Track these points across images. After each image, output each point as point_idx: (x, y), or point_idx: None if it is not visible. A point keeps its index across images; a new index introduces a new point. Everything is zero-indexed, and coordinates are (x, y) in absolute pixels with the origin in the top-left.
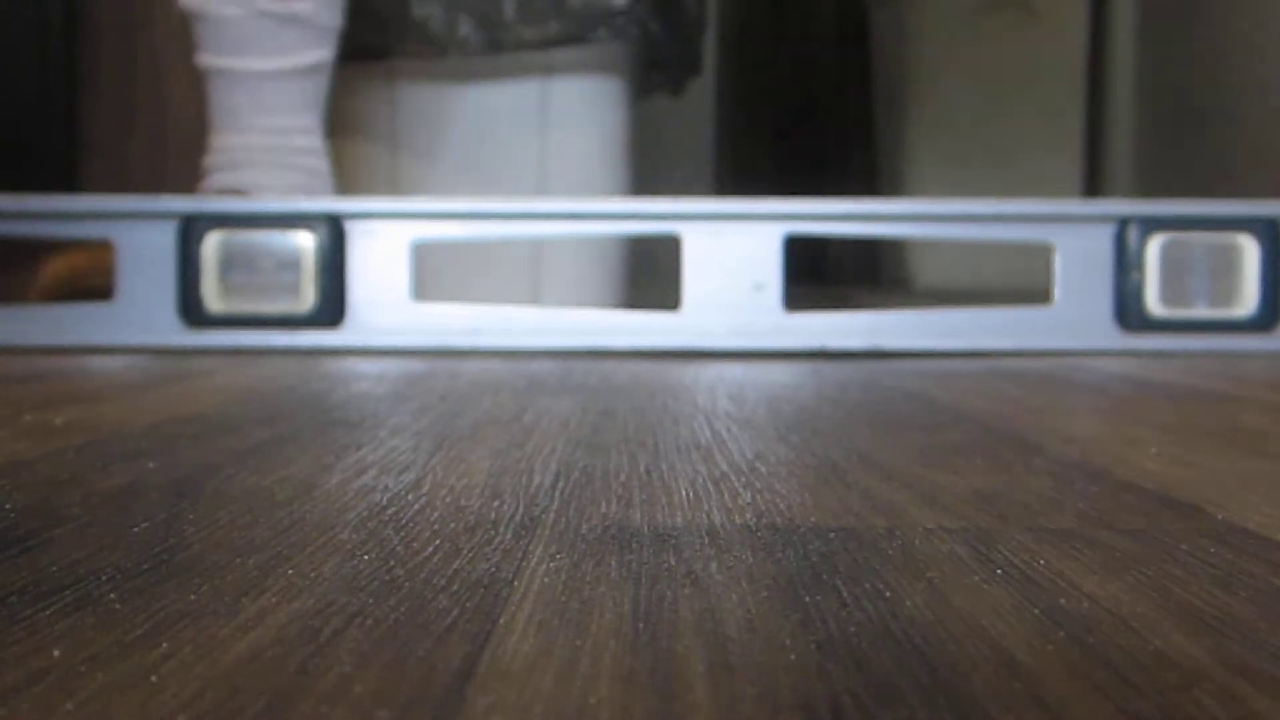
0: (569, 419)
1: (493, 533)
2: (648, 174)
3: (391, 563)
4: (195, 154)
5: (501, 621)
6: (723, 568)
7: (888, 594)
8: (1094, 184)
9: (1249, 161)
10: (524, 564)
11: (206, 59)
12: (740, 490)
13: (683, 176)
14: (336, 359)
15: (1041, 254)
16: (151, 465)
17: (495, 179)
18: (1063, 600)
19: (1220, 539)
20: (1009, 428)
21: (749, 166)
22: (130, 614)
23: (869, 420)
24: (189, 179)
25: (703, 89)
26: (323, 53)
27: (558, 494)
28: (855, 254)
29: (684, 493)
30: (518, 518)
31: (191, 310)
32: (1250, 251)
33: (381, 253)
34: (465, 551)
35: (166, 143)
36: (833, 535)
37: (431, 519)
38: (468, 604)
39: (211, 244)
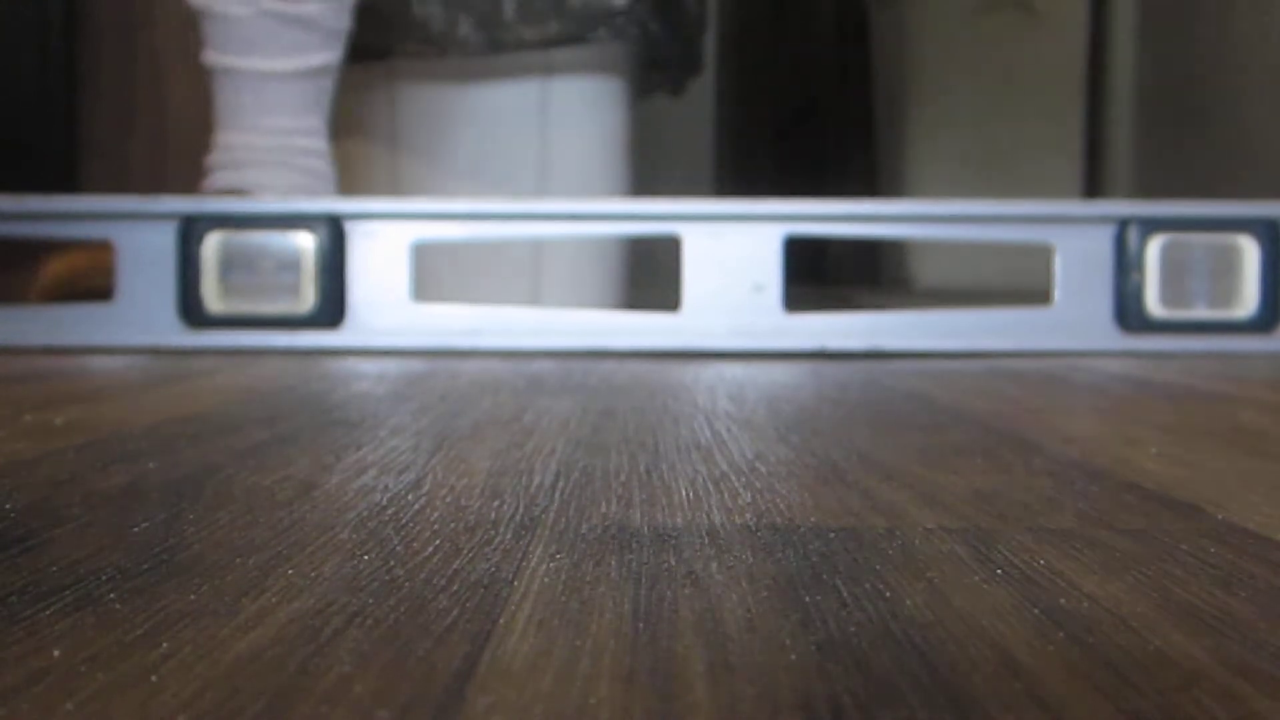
0: (569, 419)
1: (493, 533)
2: (648, 174)
3: (391, 563)
4: (195, 154)
5: (501, 621)
6: (723, 568)
7: (888, 594)
8: (1094, 184)
9: (1249, 162)
10: (524, 564)
11: (212, 57)
12: (740, 490)
13: (683, 177)
14: (336, 359)
15: (1041, 255)
16: (151, 465)
17: (495, 179)
18: (1063, 600)
19: (1220, 539)
20: (1009, 428)
21: (749, 167)
22: (130, 614)
23: (869, 420)
24: (189, 179)
25: (703, 89)
26: (329, 55)
27: (558, 494)
28: (855, 255)
29: (684, 493)
30: (518, 518)
31: (191, 310)
32: (1250, 252)
33: (381, 253)
34: (465, 551)
35: (166, 143)
36: (833, 535)
37: (431, 519)
38: (468, 604)
39: (211, 244)
